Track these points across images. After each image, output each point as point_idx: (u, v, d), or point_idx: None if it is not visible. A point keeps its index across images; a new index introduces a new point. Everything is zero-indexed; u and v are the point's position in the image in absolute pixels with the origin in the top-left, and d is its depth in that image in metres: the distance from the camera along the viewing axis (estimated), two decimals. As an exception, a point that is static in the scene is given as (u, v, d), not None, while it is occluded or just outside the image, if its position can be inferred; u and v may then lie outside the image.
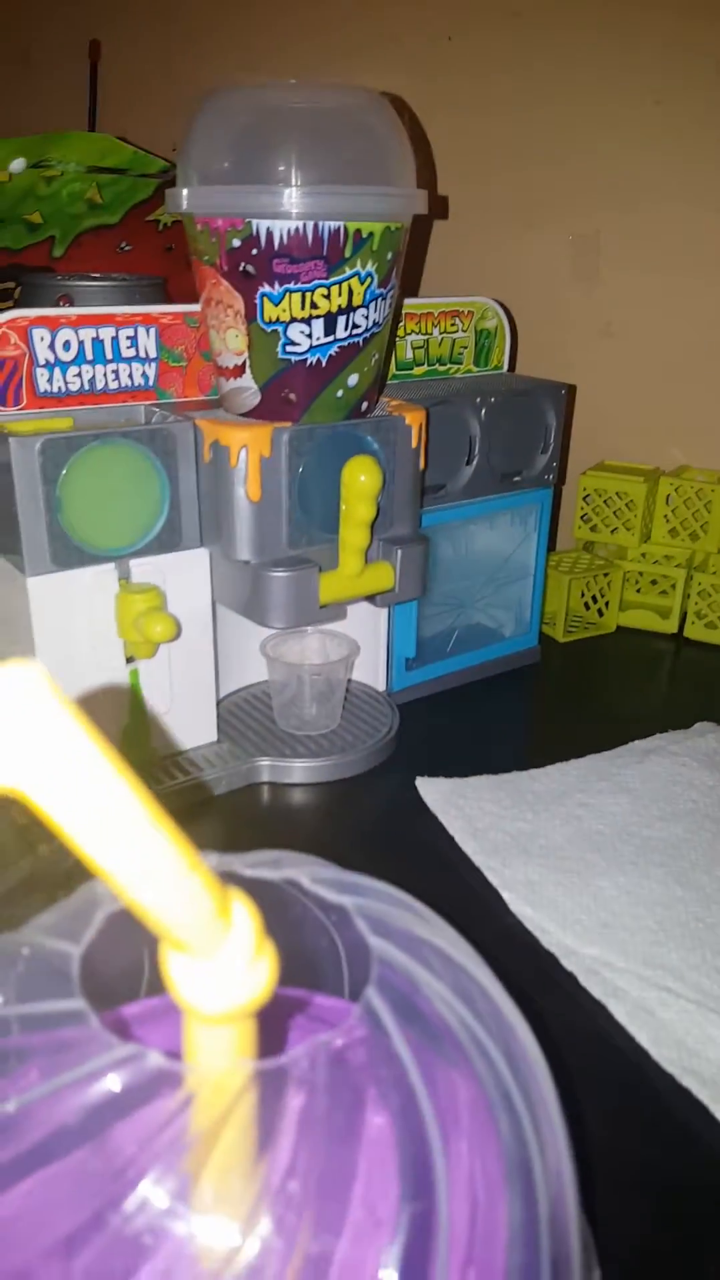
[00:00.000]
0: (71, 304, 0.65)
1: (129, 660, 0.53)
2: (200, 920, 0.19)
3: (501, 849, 0.49)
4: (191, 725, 0.57)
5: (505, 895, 0.45)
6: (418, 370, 0.66)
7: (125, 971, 0.31)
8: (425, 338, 0.65)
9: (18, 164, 0.63)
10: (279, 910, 0.26)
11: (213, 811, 0.54)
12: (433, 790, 0.54)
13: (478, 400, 0.62)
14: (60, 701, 0.16)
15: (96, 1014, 0.22)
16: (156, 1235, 0.21)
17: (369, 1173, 0.23)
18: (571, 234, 0.82)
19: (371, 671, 0.66)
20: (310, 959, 0.32)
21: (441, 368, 0.68)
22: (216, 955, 0.19)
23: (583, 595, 0.78)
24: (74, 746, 0.16)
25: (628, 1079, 0.36)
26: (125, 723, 0.54)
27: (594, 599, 0.79)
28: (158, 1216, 0.21)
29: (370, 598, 0.56)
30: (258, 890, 0.23)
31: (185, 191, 0.48)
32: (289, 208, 0.45)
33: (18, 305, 0.72)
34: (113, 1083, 0.21)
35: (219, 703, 0.60)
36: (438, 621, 0.68)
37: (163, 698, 0.55)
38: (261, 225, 0.46)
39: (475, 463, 0.64)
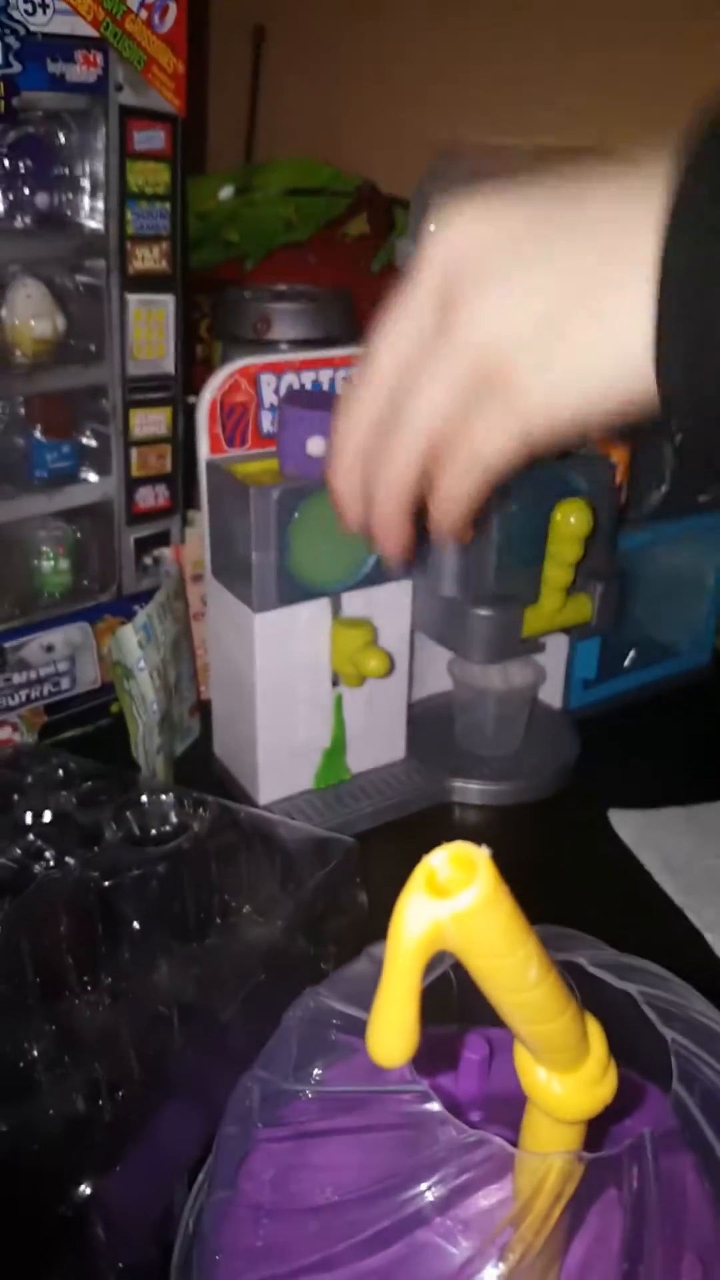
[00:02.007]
0: (269, 325, 0.67)
1: (334, 685, 0.55)
2: (573, 1046, 0.21)
3: (699, 885, 0.50)
4: (383, 745, 0.60)
5: (708, 937, 0.47)
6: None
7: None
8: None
9: (226, 191, 0.66)
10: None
11: (398, 830, 0.56)
12: (627, 823, 0.55)
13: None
14: (494, 879, 0.18)
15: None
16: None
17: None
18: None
19: (550, 690, 0.67)
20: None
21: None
22: (577, 1071, 0.22)
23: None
24: (508, 923, 0.18)
25: None
26: (325, 746, 0.57)
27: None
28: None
29: (567, 630, 0.57)
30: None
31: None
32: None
33: (211, 319, 0.74)
34: (455, 1168, 0.24)
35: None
36: (614, 639, 0.68)
37: (360, 720, 0.58)
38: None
39: (665, 489, 0.63)
